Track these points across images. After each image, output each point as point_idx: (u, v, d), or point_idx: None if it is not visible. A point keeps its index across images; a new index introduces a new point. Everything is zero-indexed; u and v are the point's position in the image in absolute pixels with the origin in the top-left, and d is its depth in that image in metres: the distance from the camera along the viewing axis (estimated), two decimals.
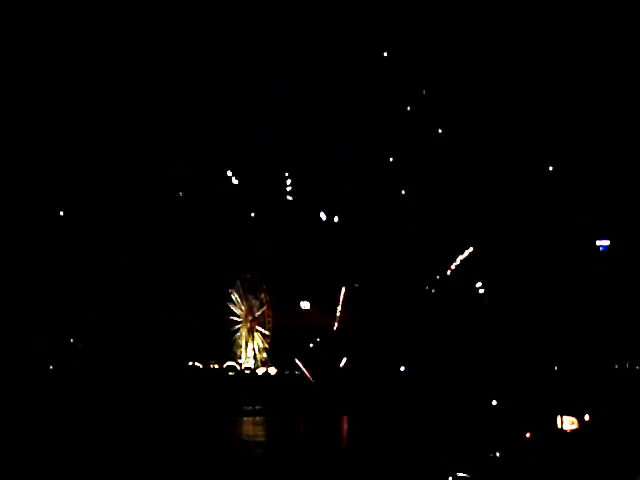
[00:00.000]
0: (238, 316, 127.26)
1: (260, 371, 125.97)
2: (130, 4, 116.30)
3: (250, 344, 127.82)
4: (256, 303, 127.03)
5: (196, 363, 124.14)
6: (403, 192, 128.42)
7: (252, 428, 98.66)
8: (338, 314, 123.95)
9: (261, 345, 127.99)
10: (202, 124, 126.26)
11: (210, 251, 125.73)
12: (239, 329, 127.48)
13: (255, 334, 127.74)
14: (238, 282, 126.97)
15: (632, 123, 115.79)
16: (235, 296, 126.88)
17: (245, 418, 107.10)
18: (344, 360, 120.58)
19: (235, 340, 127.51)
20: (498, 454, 52.00)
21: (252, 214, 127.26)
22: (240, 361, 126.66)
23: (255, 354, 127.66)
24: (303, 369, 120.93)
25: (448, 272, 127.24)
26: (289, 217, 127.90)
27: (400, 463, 57.95)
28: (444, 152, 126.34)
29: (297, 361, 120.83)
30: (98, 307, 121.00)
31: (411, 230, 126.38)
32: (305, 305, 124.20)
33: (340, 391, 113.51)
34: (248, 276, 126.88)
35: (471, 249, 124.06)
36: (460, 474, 44.14)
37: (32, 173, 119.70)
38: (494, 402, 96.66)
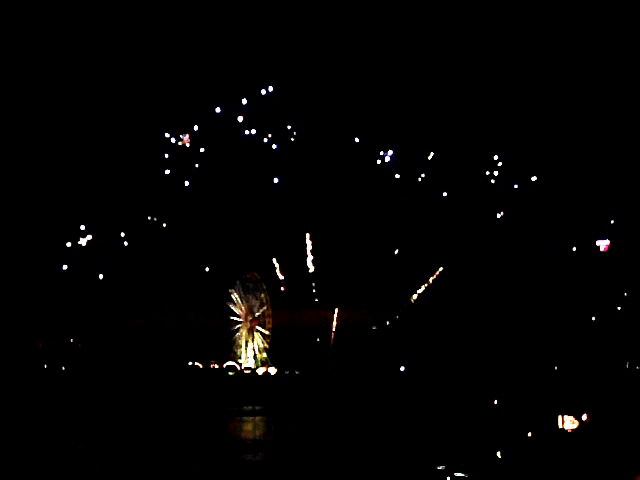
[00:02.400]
0: (238, 316, 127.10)
1: (260, 371, 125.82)
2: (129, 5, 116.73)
3: (250, 344, 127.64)
4: (256, 303, 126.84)
5: (196, 363, 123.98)
6: (399, 194, 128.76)
7: (252, 428, 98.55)
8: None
9: (261, 345, 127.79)
10: (204, 125, 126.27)
11: (210, 251, 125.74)
12: (239, 329, 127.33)
13: (255, 334, 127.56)
14: (238, 282, 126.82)
15: (631, 125, 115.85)
16: (235, 296, 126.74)
17: (245, 418, 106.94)
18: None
19: (235, 340, 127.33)
20: (499, 454, 51.88)
21: (252, 214, 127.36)
22: (240, 361, 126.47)
23: (255, 354, 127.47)
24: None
25: (449, 272, 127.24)
26: (289, 217, 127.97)
27: (399, 463, 57.95)
28: (447, 152, 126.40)
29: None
30: (98, 307, 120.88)
31: (411, 229, 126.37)
32: None
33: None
34: (248, 276, 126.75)
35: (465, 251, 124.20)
36: (458, 474, 44.02)
37: (32, 174, 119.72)
38: (495, 402, 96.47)
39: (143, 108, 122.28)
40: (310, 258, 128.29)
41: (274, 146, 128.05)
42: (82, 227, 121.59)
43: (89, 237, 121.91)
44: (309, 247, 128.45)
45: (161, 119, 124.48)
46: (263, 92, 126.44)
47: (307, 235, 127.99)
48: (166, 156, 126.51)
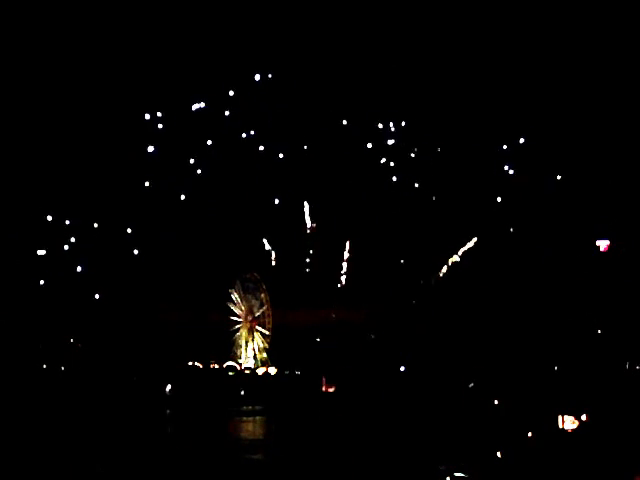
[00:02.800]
0: (238, 316, 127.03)
1: (260, 371, 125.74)
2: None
3: (250, 344, 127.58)
4: (256, 303, 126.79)
5: (196, 363, 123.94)
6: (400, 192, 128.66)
7: (252, 428, 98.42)
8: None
9: (261, 345, 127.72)
10: (202, 126, 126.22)
11: (210, 251, 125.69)
12: (239, 329, 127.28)
13: (255, 334, 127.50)
14: (238, 282, 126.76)
15: (632, 125, 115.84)
16: (235, 296, 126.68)
17: (245, 418, 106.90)
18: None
19: (235, 340, 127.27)
20: (499, 454, 51.84)
21: (252, 215, 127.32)
22: (240, 361, 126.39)
23: (255, 354, 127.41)
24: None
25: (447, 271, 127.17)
26: (289, 217, 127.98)
27: (399, 462, 57.97)
28: (450, 149, 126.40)
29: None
30: (98, 307, 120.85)
31: (408, 229, 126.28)
32: None
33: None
34: (248, 276, 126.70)
35: (466, 247, 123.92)
36: (458, 474, 43.97)
37: (34, 177, 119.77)
38: (495, 402, 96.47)
39: (141, 106, 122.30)
40: (311, 257, 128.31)
41: (274, 144, 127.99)
42: (82, 227, 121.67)
43: (89, 237, 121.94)
44: (311, 245, 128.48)
45: (158, 117, 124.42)
46: (263, 86, 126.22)
47: (310, 223, 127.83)
48: (167, 156, 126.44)
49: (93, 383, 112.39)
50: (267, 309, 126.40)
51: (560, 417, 63.45)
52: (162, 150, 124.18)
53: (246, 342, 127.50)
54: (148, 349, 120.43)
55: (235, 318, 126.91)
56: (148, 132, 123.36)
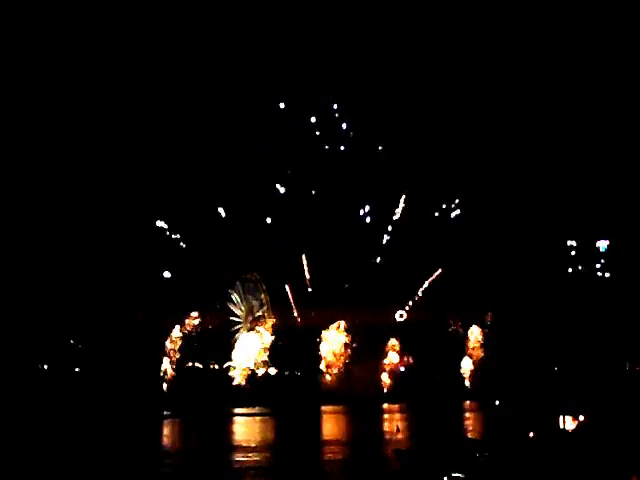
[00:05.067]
0: (238, 316, 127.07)
1: (260, 371, 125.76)
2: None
3: (250, 344, 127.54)
4: (256, 303, 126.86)
5: (196, 363, 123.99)
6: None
7: (252, 429, 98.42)
8: None
9: (261, 345, 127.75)
10: (201, 125, 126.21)
11: (210, 251, 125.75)
12: (239, 329, 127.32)
13: (255, 334, 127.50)
14: (238, 282, 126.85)
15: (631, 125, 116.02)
16: (235, 296, 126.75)
17: (245, 418, 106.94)
18: None
19: (235, 340, 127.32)
20: (498, 454, 51.75)
21: (254, 215, 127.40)
22: (240, 361, 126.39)
23: (255, 354, 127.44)
24: None
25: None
26: (290, 217, 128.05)
27: (399, 462, 57.89)
28: (446, 150, 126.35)
29: None
30: (98, 307, 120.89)
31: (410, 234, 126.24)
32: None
33: None
34: (248, 276, 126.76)
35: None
36: (456, 474, 43.90)
37: (33, 177, 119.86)
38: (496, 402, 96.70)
39: (143, 107, 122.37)
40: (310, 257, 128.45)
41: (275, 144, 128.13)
42: (81, 226, 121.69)
43: (88, 236, 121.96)
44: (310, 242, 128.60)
45: (158, 119, 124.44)
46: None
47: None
48: (169, 159, 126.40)
49: (92, 383, 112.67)
50: (267, 309, 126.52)
51: (561, 417, 63.46)
52: (159, 148, 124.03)
53: (246, 342, 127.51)
54: (148, 349, 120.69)
55: (235, 318, 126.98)
56: (154, 133, 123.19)
